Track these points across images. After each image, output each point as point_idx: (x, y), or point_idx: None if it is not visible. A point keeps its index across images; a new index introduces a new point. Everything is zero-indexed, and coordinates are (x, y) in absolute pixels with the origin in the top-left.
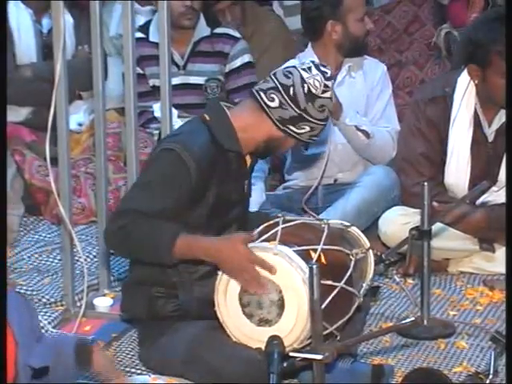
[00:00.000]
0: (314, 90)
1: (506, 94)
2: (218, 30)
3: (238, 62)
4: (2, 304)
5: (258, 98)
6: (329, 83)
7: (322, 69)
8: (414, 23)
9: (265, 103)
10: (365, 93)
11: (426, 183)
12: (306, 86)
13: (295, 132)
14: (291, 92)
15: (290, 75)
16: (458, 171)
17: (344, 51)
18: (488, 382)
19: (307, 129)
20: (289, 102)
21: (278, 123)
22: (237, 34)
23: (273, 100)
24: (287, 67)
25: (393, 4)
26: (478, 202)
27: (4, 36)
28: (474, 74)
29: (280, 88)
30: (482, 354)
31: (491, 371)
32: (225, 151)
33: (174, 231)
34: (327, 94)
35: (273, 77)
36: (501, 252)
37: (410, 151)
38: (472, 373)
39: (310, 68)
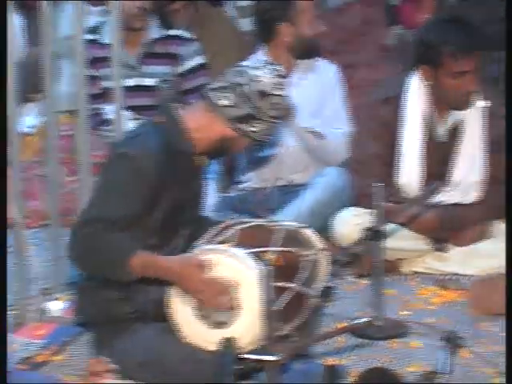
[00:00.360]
0: (266, 88)
1: (506, 94)
2: (171, 32)
3: (191, 64)
4: (2, 305)
5: (210, 97)
6: (281, 81)
7: (274, 67)
8: (367, 25)
9: (216, 103)
10: (317, 94)
11: (378, 184)
12: (257, 84)
13: (248, 131)
14: (243, 90)
15: (241, 74)
16: (410, 171)
17: (296, 53)
18: (441, 381)
19: (260, 127)
20: (241, 100)
21: (230, 122)
22: (190, 36)
23: (224, 99)
24: (239, 66)
25: (345, 6)
26: (432, 202)
27: (4, 37)
28: (425, 74)
29: (231, 87)
30: (435, 354)
31: (444, 370)
32: (178, 153)
33: (130, 249)
34: (279, 92)
35: (224, 76)
36: (453, 252)
37: (363, 152)
38: (425, 372)
39: (261, 66)
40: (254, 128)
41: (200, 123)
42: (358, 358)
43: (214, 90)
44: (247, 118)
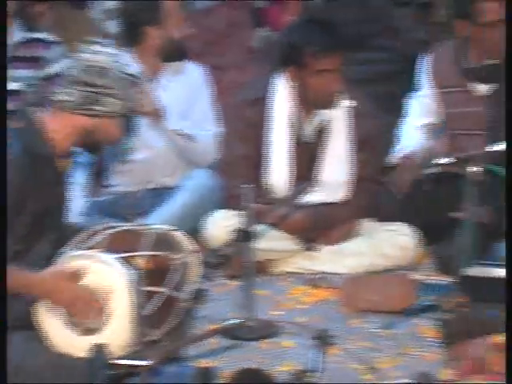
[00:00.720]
0: (101, 65)
1: (506, 95)
2: (35, 35)
3: (55, 67)
4: (2, 305)
5: (55, 95)
6: (108, 50)
7: (103, 42)
8: (234, 27)
9: (61, 98)
10: (186, 97)
11: (248, 185)
12: (91, 63)
13: (103, 111)
14: (78, 74)
15: (75, 62)
16: (278, 172)
17: (164, 56)
18: (313, 379)
19: (114, 101)
20: (79, 84)
21: (80, 110)
22: (54, 39)
23: (67, 91)
24: (74, 58)
25: (211, 8)
26: (300, 202)
27: (4, 36)
28: (291, 75)
29: (69, 77)
30: (306, 353)
31: (316, 368)
32: (39, 157)
33: None
34: (116, 65)
35: (62, 70)
36: (323, 251)
37: (231, 153)
38: (297, 371)
39: (91, 47)
40: (108, 105)
41: (59, 124)
42: (230, 360)
43: (58, 86)
44: (93, 98)
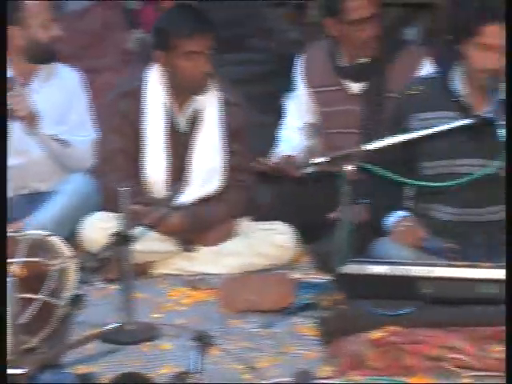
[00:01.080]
0: None
1: (506, 95)
2: None
3: None
4: (2, 302)
5: None
6: None
7: None
8: (108, 29)
9: None
10: (61, 101)
11: (124, 188)
12: None
13: None
14: None
15: None
16: (155, 166)
17: (31, 58)
18: (193, 380)
19: None
20: None
21: None
22: None
23: None
24: None
25: (86, 9)
26: (177, 202)
27: (4, 36)
28: (160, 61)
29: None
30: (186, 354)
31: (196, 369)
32: None
33: None
34: None
35: None
36: (202, 252)
37: (108, 149)
38: (177, 373)
39: None
40: None
41: None
42: (110, 365)
43: None
44: None
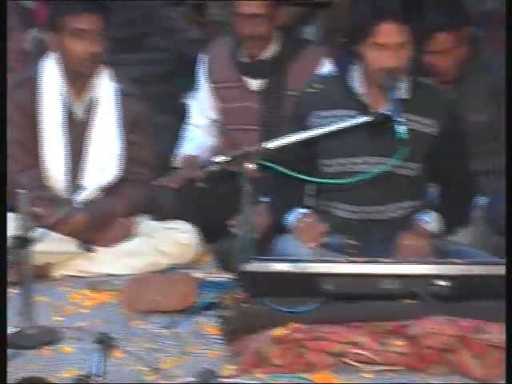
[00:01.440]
0: None
1: (506, 94)
2: None
3: None
4: (2, 304)
5: None
6: None
7: None
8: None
9: None
10: None
11: (23, 190)
12: None
13: None
14: None
15: None
16: (54, 157)
17: None
18: (96, 382)
19: None
20: None
21: None
22: None
23: None
24: None
25: None
26: (77, 202)
27: (4, 35)
28: (51, 43)
29: None
30: (88, 357)
31: (98, 372)
32: None
33: None
34: None
35: None
36: (102, 252)
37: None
38: (80, 376)
39: None
40: None
41: None
42: (11, 369)
43: None
44: None
